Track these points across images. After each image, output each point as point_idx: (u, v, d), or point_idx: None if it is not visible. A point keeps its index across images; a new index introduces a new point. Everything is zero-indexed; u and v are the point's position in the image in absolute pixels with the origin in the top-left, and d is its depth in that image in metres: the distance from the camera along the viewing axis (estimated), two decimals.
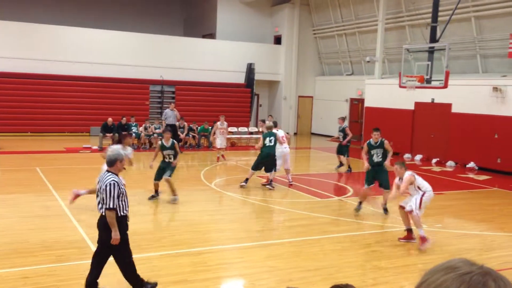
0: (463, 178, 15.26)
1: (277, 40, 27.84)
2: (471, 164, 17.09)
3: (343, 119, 16.27)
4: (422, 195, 8.10)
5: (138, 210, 9.36)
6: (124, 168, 6.04)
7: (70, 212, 9.35)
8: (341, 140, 15.71)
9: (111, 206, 5.49)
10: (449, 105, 18.05)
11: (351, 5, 24.54)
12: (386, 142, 10.34)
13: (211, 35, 27.09)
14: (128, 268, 5.74)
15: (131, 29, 24.44)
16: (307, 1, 27.34)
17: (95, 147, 18.46)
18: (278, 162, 12.71)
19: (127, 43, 23.47)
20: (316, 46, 27.94)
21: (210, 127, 20.97)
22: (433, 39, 16.25)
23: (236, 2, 27.02)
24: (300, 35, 27.31)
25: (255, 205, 11.01)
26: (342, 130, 15.69)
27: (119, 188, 5.58)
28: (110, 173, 5.69)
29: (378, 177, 10.24)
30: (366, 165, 10.29)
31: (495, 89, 16.37)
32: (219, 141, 16.71)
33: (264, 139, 12.24)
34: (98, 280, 5.69)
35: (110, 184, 5.52)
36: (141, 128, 19.72)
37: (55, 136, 21.25)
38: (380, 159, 10.23)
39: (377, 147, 10.24)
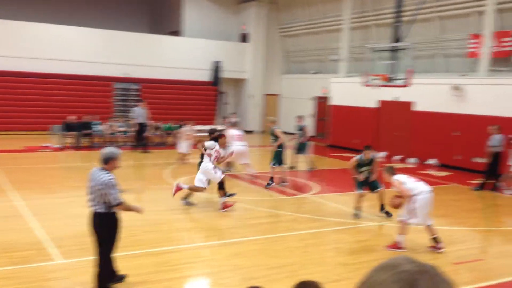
0: (424, 175, 15.60)
1: (244, 38, 27.80)
2: (432, 161, 17.50)
3: (301, 117, 16.25)
4: (415, 201, 7.74)
5: None
6: (118, 167, 5.97)
7: (30, 213, 9.10)
8: (300, 138, 15.68)
9: (119, 201, 5.63)
10: (411, 103, 18.43)
11: (318, 4, 24.74)
12: (376, 160, 10.07)
13: (177, 32, 26.84)
14: (105, 265, 5.77)
15: (95, 25, 23.95)
16: (275, 0, 27.41)
17: (56, 146, 18.05)
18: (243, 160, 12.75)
19: (90, 40, 23.00)
20: (282, 45, 28.05)
21: (175, 126, 20.80)
22: (397, 38, 16.54)
23: (203, 0, 26.84)
24: (267, 33, 27.35)
25: (219, 203, 10.95)
26: (301, 129, 15.69)
27: (117, 184, 5.66)
28: (104, 171, 5.69)
29: (367, 184, 9.98)
30: (358, 176, 9.86)
31: (456, 88, 16.81)
32: (183, 146, 15.81)
33: None
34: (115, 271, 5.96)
35: (108, 182, 5.55)
36: (104, 126, 19.38)
37: (13, 135, 20.64)
38: (368, 175, 9.95)
39: (368, 164, 9.88)
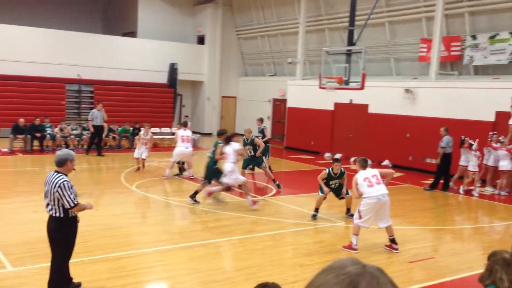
0: None
1: (200, 40, 27.67)
2: (386, 162, 17.94)
3: (261, 120, 16.38)
4: (362, 204, 7.90)
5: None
6: (74, 169, 5.78)
7: None
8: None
9: (74, 203, 5.47)
10: (366, 106, 18.84)
11: (273, 7, 24.92)
12: (345, 173, 10.03)
13: (132, 33, 26.40)
14: (60, 272, 5.61)
15: (47, 25, 23.22)
16: (230, 2, 27.42)
17: (4, 150, 17.38)
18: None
19: (41, 40, 22.26)
20: (239, 47, 28.09)
21: (131, 128, 20.45)
22: (351, 42, 16.87)
23: (158, 1, 26.52)
24: (223, 35, 27.32)
25: (178, 206, 10.85)
26: (261, 131, 15.81)
27: (72, 187, 5.50)
28: (59, 174, 5.53)
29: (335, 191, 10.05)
30: (326, 189, 9.79)
31: (407, 91, 17.32)
32: (140, 151, 14.73)
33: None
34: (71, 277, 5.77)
35: (62, 185, 5.40)
36: (56, 129, 18.81)
37: None
38: (337, 187, 9.97)
39: (337, 177, 9.83)
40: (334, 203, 11.49)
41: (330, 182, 9.83)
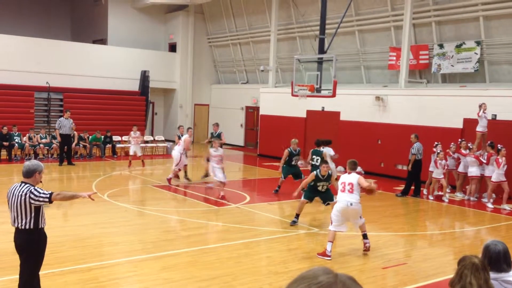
0: (350, 184, 16.10)
1: (172, 48, 27.54)
2: (359, 169, 18.07)
3: (217, 125, 15.93)
4: (334, 208, 8.16)
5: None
6: (41, 181, 5.61)
7: None
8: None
9: (48, 193, 5.33)
10: (337, 113, 19.04)
11: (245, 15, 25.02)
12: (333, 176, 10.03)
13: (102, 41, 26.08)
14: (27, 284, 5.47)
15: (14, 32, 22.73)
16: (202, 10, 27.40)
17: None
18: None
19: (8, 47, 21.75)
20: (211, 55, 28.08)
21: (102, 136, 20.15)
22: (322, 50, 17.06)
23: (128, 8, 26.29)
24: (195, 43, 27.27)
25: (151, 215, 10.72)
26: (218, 136, 15.25)
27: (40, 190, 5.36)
28: (27, 184, 5.37)
29: (320, 194, 9.98)
30: (295, 194, 9.90)
31: (377, 98, 17.58)
32: (133, 149, 17.53)
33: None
34: None
35: (32, 189, 5.28)
36: (25, 138, 18.39)
37: None
38: (325, 191, 9.90)
39: (325, 180, 9.70)
40: (308, 210, 11.54)
41: (318, 184, 9.71)
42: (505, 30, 15.58)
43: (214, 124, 16.19)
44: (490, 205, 12.80)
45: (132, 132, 17.79)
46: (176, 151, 14.46)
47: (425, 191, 14.01)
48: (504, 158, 12.73)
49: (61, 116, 18.72)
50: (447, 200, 13.40)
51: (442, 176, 13.51)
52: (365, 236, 8.29)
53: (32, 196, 5.26)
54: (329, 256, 7.90)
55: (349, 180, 8.14)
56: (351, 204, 8.00)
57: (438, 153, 13.57)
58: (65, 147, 17.39)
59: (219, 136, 15.25)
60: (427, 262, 8.10)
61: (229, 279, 6.86)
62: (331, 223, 8.08)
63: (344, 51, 19.94)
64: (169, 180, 14.14)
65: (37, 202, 5.29)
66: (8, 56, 21.58)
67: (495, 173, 12.78)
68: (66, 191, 5.49)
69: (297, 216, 9.97)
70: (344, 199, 8.02)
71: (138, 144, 17.62)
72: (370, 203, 12.65)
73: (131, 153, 17.82)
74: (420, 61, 17.72)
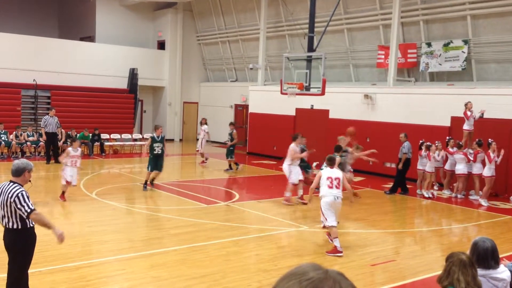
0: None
1: (161, 45, 27.41)
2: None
3: (158, 127, 13.97)
4: (321, 206, 8.22)
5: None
6: (30, 181, 5.54)
7: None
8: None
9: (31, 208, 5.17)
10: (326, 111, 19.09)
11: (234, 13, 24.97)
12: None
13: (90, 38, 25.86)
14: (15, 283, 5.40)
15: (0, 28, 22.46)
16: (190, 7, 27.30)
17: None
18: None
19: None
20: (200, 52, 27.99)
21: (90, 134, 20.00)
22: (311, 48, 17.08)
23: (116, 5, 26.10)
24: (184, 40, 27.16)
25: (140, 214, 10.67)
26: (161, 140, 13.72)
27: (29, 198, 5.28)
28: (15, 184, 5.30)
29: None
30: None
31: (366, 96, 17.66)
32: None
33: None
34: None
35: (20, 194, 5.18)
36: (11, 136, 18.20)
37: None
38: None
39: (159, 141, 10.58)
40: (297, 207, 11.59)
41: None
42: (492, 29, 15.72)
43: (157, 126, 13.89)
44: (484, 203, 12.81)
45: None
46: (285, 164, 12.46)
47: (418, 191, 13.93)
48: (495, 153, 12.82)
49: (47, 114, 18.52)
50: (434, 196, 13.54)
51: (434, 170, 13.62)
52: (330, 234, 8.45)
53: (17, 202, 5.19)
54: (341, 252, 7.93)
55: (335, 175, 8.24)
56: (337, 198, 8.14)
57: (429, 146, 13.57)
58: (51, 145, 17.22)
59: (162, 140, 13.59)
60: (415, 259, 8.16)
61: (218, 277, 6.85)
62: (326, 219, 8.11)
63: (333, 49, 19.99)
64: (301, 197, 12.05)
65: (18, 210, 5.22)
66: None
67: (487, 168, 12.86)
68: (44, 217, 5.41)
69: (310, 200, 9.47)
70: (331, 193, 8.12)
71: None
72: (359, 200, 12.72)
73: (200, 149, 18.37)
74: (408, 59, 17.82)
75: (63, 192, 11.33)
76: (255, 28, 23.48)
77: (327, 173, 8.26)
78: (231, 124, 17.81)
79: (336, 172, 8.30)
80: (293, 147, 12.36)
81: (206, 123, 18.88)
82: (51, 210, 10.57)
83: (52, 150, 17.27)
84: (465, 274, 3.60)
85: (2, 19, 25.14)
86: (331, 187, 8.14)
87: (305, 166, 13.85)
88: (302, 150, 13.05)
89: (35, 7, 27.45)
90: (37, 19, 27.11)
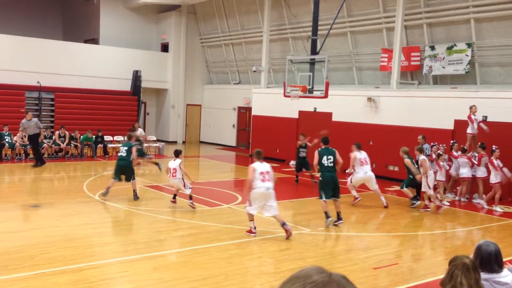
0: (341, 183, 16.13)
1: (164, 48, 27.47)
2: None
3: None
4: (251, 194, 8.98)
5: (8, 226, 8.58)
6: None
7: None
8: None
9: None
10: (330, 114, 19.08)
11: (237, 16, 25.01)
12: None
13: (94, 40, 25.96)
14: None
15: (5, 31, 22.56)
16: (194, 10, 27.36)
17: None
18: None
19: (0, 46, 21.62)
20: (203, 55, 28.04)
21: (93, 136, 20.04)
22: (314, 51, 17.09)
23: (120, 7, 26.20)
24: (188, 43, 27.22)
25: (143, 216, 10.68)
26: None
27: None
28: None
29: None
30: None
31: (369, 99, 17.64)
32: None
33: None
34: None
35: None
36: (15, 138, 18.24)
37: None
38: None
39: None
40: (299, 210, 11.58)
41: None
42: (496, 32, 15.70)
43: (135, 124, 12.95)
44: (499, 209, 12.56)
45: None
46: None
47: (427, 202, 13.43)
48: (498, 160, 12.72)
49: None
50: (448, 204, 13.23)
51: (444, 179, 13.41)
52: (284, 224, 8.98)
53: None
54: (255, 233, 8.99)
55: (266, 169, 9.00)
56: (269, 189, 8.88)
57: (440, 155, 13.39)
58: (33, 147, 16.98)
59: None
60: (418, 263, 8.14)
61: (220, 279, 6.85)
62: (249, 205, 8.97)
63: (336, 52, 19.99)
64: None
65: None
66: (0, 55, 21.42)
67: (493, 175, 12.73)
68: None
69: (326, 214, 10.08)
70: (264, 186, 8.81)
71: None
72: (362, 203, 12.70)
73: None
74: (411, 62, 17.80)
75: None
76: (258, 31, 23.51)
77: (259, 168, 8.91)
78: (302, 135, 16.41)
79: (265, 166, 9.04)
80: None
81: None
82: (55, 212, 10.59)
83: (33, 153, 17.10)
84: (468, 278, 3.59)
85: (7, 21, 25.25)
86: (263, 181, 8.82)
87: (304, 163, 15.33)
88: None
89: (39, 10, 27.58)
90: (42, 22, 27.23)
